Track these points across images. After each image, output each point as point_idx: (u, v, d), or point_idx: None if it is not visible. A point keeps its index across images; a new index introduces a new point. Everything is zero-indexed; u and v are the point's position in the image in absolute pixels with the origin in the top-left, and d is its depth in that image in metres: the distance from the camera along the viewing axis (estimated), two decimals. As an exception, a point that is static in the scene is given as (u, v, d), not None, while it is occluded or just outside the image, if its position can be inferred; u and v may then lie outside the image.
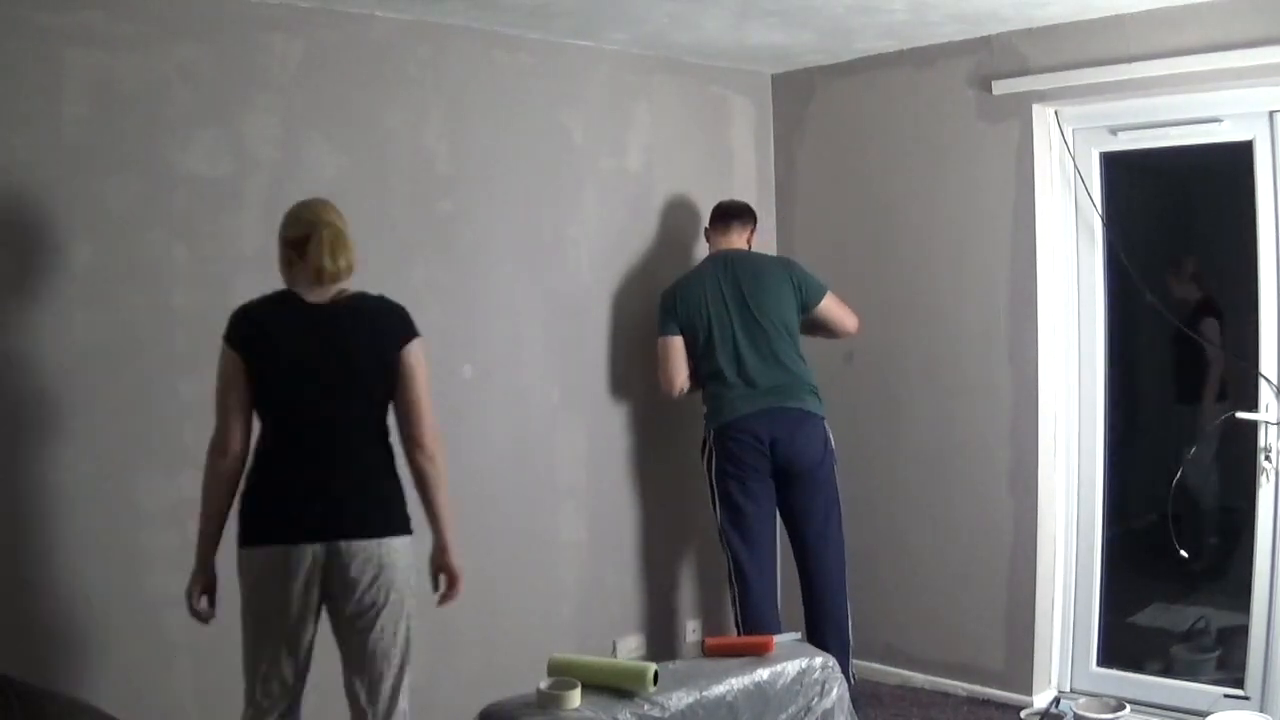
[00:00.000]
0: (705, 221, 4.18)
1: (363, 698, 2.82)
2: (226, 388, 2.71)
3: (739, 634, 3.88)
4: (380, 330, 2.81)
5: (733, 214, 4.06)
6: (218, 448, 2.73)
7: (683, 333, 3.94)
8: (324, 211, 2.81)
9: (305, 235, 2.76)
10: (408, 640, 2.84)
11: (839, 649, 3.79)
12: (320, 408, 2.75)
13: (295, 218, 2.81)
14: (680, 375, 3.97)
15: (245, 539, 2.74)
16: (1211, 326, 4.28)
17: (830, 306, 4.00)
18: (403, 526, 2.82)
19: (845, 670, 3.85)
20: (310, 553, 2.70)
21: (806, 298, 3.96)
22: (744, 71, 4.55)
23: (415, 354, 2.82)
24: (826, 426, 3.93)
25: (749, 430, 3.85)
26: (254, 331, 2.73)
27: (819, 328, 4.05)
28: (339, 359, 2.75)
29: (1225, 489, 4.05)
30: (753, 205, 4.67)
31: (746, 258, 4.01)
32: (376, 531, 2.75)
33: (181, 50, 3.15)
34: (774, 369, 3.88)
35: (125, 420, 3.08)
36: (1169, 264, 4.43)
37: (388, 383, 2.80)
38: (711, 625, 4.49)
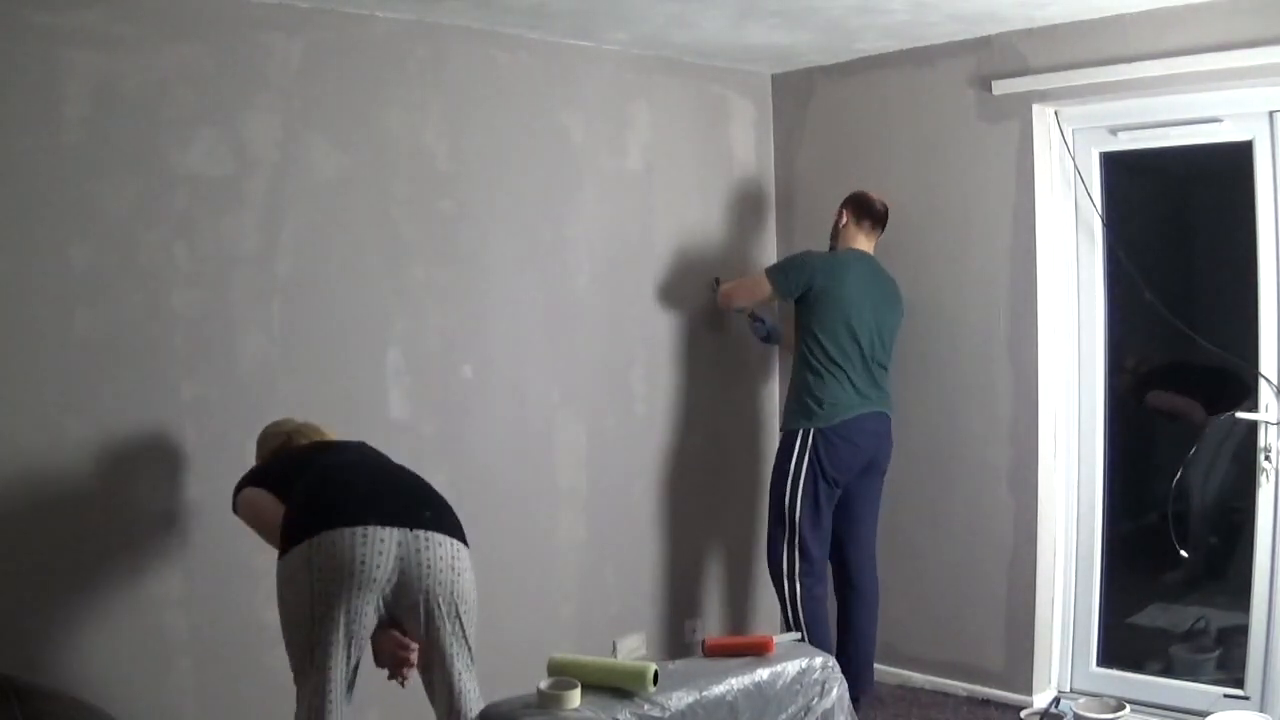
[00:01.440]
0: (840, 214, 4.10)
1: None
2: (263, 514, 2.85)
3: (796, 630, 3.89)
4: None
5: (881, 218, 4.07)
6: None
7: (799, 300, 3.96)
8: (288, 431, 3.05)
9: (279, 447, 3.00)
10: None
11: (870, 642, 4.05)
12: None
13: (265, 439, 3.05)
14: (746, 308, 4.23)
15: None
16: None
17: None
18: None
19: (869, 671, 4.07)
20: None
21: (901, 316, 4.09)
22: (744, 71, 4.55)
23: None
24: None
25: (860, 432, 3.92)
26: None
27: None
28: None
29: (1225, 489, 4.04)
30: (752, 205, 4.69)
31: (883, 269, 4.06)
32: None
33: (181, 50, 3.15)
34: (881, 380, 3.99)
35: (125, 420, 3.08)
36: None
37: None
38: (711, 625, 4.50)
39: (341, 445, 2.98)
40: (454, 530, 2.76)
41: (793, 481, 3.93)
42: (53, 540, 2.96)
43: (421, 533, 2.66)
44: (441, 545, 2.68)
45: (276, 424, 3.09)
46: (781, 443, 4.03)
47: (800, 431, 3.93)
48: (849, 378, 3.89)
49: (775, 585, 4.05)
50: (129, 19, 3.05)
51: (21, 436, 2.92)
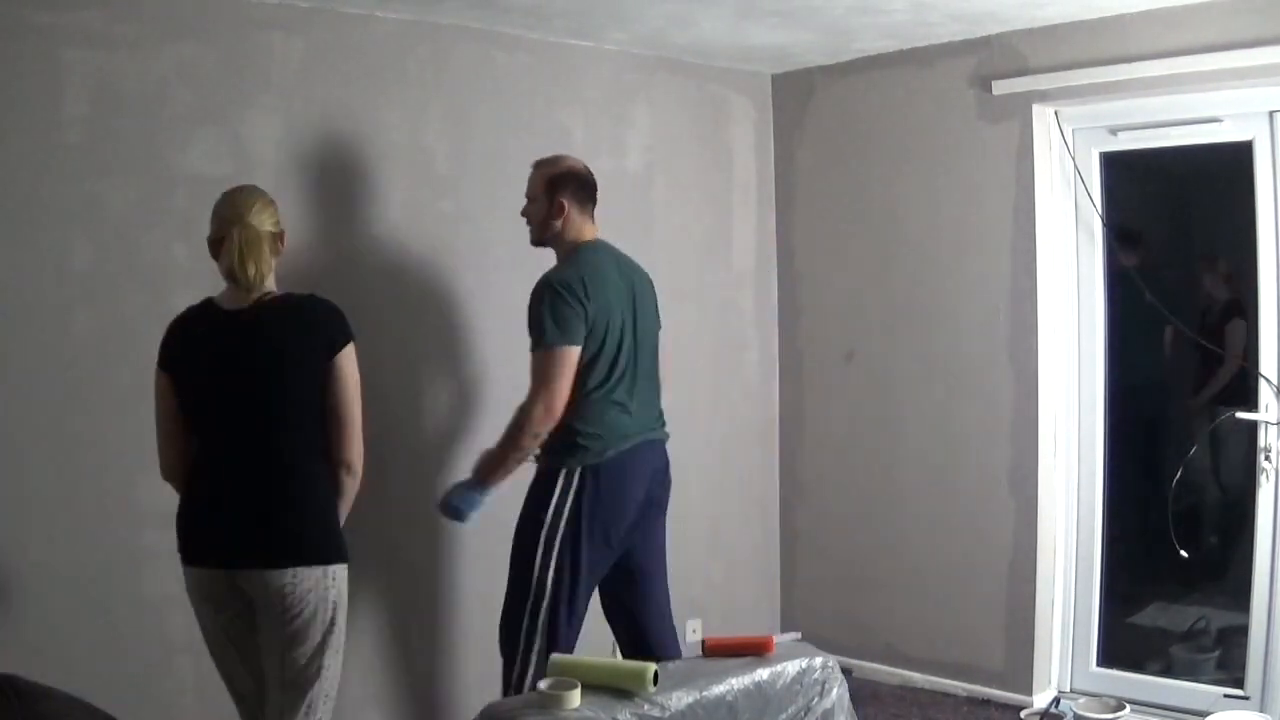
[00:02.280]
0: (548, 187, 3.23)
1: None
2: (157, 409, 2.63)
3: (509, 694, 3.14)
4: (306, 335, 2.59)
5: (593, 189, 3.25)
6: (161, 470, 2.67)
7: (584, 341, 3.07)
8: (245, 208, 2.57)
9: (220, 236, 2.58)
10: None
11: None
12: (234, 424, 2.56)
13: (215, 213, 2.60)
14: (566, 399, 3.05)
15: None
16: (1238, 328, 4.19)
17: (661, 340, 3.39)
18: (312, 556, 2.58)
19: None
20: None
21: (659, 322, 3.40)
22: (744, 71, 4.55)
23: (347, 360, 2.59)
24: None
25: (639, 465, 3.17)
26: (176, 347, 2.61)
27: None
28: (251, 371, 2.54)
29: (1225, 489, 4.04)
30: (752, 205, 4.67)
31: (620, 253, 3.27)
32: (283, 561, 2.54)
33: (181, 50, 3.15)
34: (653, 393, 3.29)
35: (125, 420, 3.07)
36: (1200, 261, 4.38)
37: (315, 393, 2.57)
38: (711, 625, 4.49)
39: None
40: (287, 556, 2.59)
41: (547, 537, 3.07)
42: (53, 540, 2.96)
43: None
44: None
45: (228, 202, 2.62)
46: (535, 483, 3.15)
47: (563, 472, 3.08)
48: (625, 405, 3.13)
49: (504, 657, 3.15)
50: (129, 19, 3.05)
51: (22, 436, 2.92)
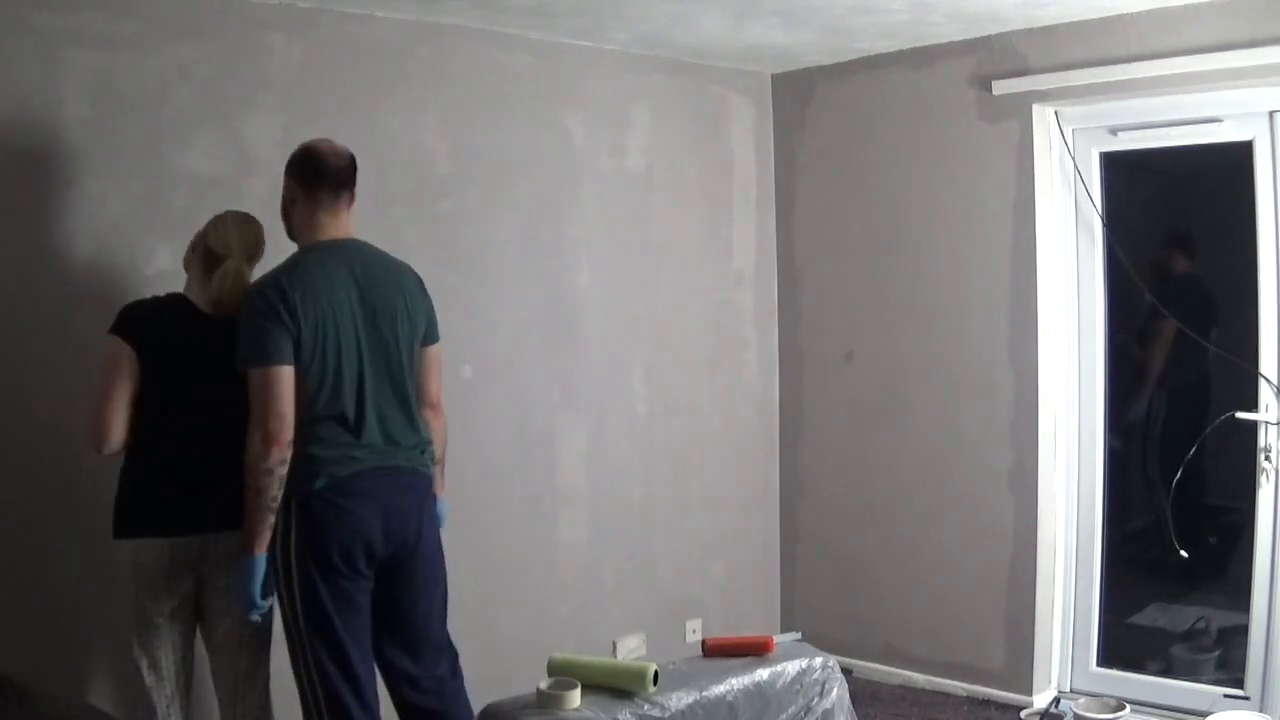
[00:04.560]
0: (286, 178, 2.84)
1: None
2: (111, 377, 2.68)
3: None
4: None
5: (344, 178, 2.79)
6: (97, 438, 2.68)
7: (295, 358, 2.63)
8: (254, 248, 2.84)
9: (222, 255, 2.79)
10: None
11: None
12: (203, 408, 2.73)
13: (225, 230, 2.82)
14: (291, 420, 2.61)
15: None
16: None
17: (438, 355, 2.94)
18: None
19: None
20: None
21: (430, 330, 2.91)
22: (744, 71, 4.55)
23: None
24: None
25: (362, 495, 2.68)
26: (150, 331, 2.73)
27: None
28: (223, 370, 2.67)
29: (1225, 489, 4.04)
30: (752, 205, 4.66)
31: (371, 255, 2.81)
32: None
33: (181, 50, 3.15)
34: (402, 416, 2.78)
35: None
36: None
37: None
38: (711, 625, 4.49)
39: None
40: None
41: (284, 573, 2.67)
42: (53, 539, 2.96)
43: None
44: None
45: (233, 230, 2.82)
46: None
47: (285, 505, 2.64)
48: (350, 426, 2.68)
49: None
50: (129, 19, 3.05)
51: (21, 436, 2.92)
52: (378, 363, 2.73)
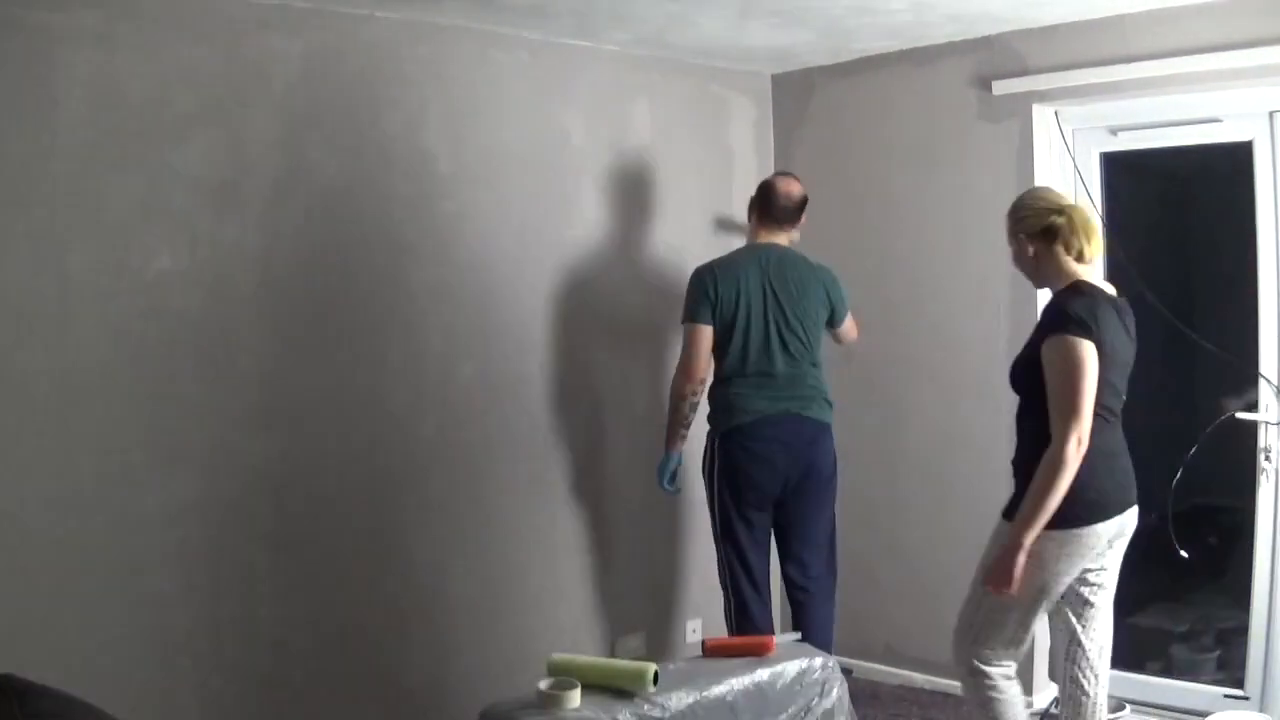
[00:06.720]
0: (746, 209, 3.96)
1: None
2: (1083, 378, 2.80)
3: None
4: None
5: (784, 214, 3.81)
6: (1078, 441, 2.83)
7: (713, 321, 3.69)
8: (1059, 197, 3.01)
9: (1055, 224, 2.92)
10: None
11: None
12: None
13: (1043, 203, 2.98)
14: (704, 369, 3.71)
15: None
16: None
17: (849, 326, 3.96)
18: None
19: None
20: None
21: (836, 313, 3.86)
22: (744, 71, 4.55)
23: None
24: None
25: (766, 436, 3.66)
26: (1097, 324, 2.82)
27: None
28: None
29: (1225, 489, 4.04)
30: (752, 205, 4.67)
31: (789, 257, 3.79)
32: None
33: (181, 50, 3.15)
34: (801, 377, 3.71)
35: (125, 420, 3.08)
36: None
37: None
38: (711, 625, 4.49)
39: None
40: None
41: (710, 490, 3.78)
42: (53, 539, 2.96)
43: None
44: None
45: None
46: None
47: (709, 442, 3.78)
48: (756, 381, 3.67)
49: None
50: (129, 19, 3.05)
51: (21, 435, 2.92)
52: (779, 333, 3.66)
